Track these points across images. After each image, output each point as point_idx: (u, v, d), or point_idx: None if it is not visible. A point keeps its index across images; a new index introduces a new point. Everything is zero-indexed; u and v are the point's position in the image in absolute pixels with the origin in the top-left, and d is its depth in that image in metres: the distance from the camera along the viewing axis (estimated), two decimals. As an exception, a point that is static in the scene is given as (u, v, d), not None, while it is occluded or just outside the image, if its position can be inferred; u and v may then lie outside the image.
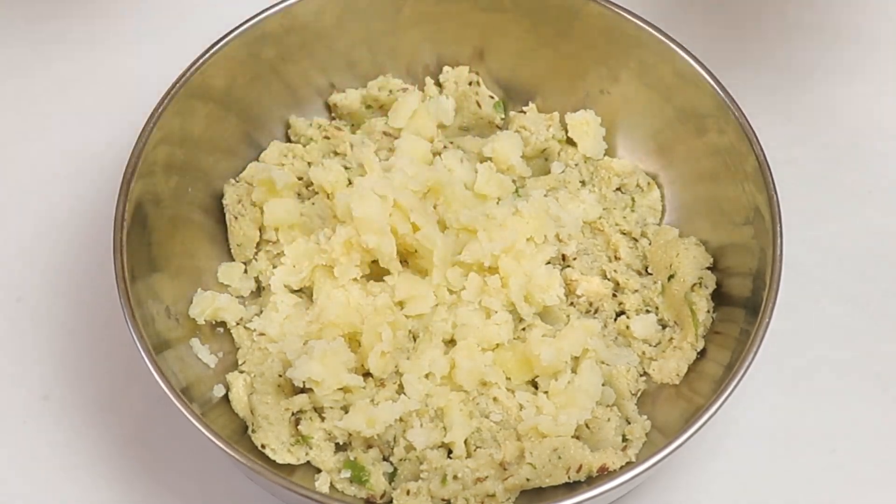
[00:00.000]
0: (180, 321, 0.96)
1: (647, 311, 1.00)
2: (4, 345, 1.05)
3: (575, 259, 1.02)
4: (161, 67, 1.05)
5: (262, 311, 0.99)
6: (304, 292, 1.01)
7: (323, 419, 0.93)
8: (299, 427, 0.91)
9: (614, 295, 1.01)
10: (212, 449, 0.85)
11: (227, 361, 0.97)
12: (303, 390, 0.91)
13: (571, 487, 0.88)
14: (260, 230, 1.02)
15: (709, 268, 1.00)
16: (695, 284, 0.98)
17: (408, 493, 0.89)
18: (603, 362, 0.97)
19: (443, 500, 0.89)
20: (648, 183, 1.07)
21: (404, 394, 0.94)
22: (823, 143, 1.16)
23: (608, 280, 1.02)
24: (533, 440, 0.91)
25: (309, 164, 1.06)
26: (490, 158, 1.05)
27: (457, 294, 0.98)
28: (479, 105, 1.08)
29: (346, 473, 0.90)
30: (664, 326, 1.00)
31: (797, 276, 1.03)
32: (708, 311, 0.97)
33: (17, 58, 1.22)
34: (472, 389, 0.95)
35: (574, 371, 0.95)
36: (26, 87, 1.20)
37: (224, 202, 1.03)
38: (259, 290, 1.02)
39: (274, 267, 1.01)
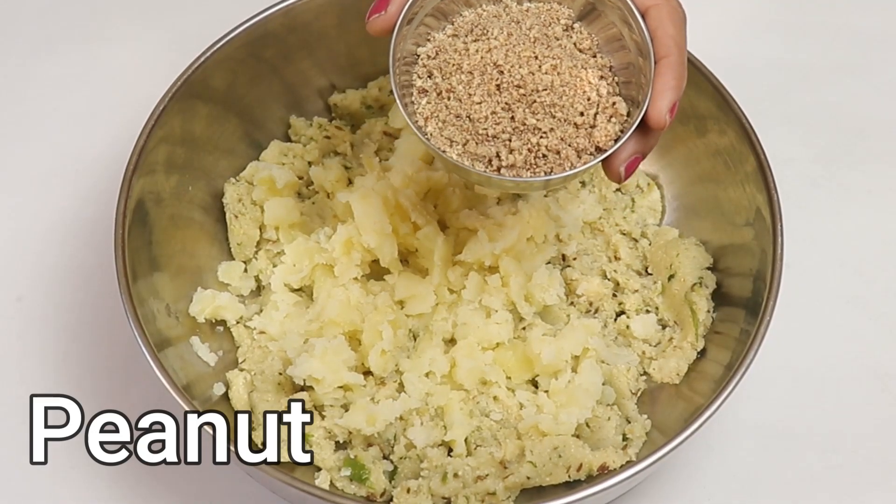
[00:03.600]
0: (180, 319, 0.96)
1: (647, 311, 1.00)
2: (5, 344, 1.05)
3: (575, 259, 1.02)
4: (161, 67, 1.05)
5: (262, 310, 1.00)
6: (304, 291, 1.01)
7: (323, 417, 0.93)
8: (299, 425, 0.91)
9: (614, 295, 1.01)
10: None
11: (228, 360, 0.97)
12: (303, 388, 0.92)
13: (571, 486, 0.88)
14: (260, 229, 1.02)
15: (709, 268, 1.00)
16: (695, 284, 0.98)
17: (408, 491, 0.89)
18: (603, 362, 0.97)
19: (443, 498, 0.89)
20: (648, 183, 1.07)
21: (404, 392, 0.94)
22: (823, 143, 1.16)
23: (608, 280, 1.02)
24: (533, 439, 0.91)
25: (309, 163, 1.06)
26: (490, 159, 1.05)
27: (457, 293, 0.98)
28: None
29: (347, 472, 0.90)
30: (664, 326, 1.00)
31: (797, 276, 1.03)
32: (708, 311, 0.97)
33: (17, 57, 1.22)
34: (473, 388, 0.95)
35: (574, 370, 0.95)
36: (26, 86, 1.20)
37: (224, 201, 1.03)
38: (259, 289, 1.02)
39: (274, 266, 1.01)
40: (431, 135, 0.79)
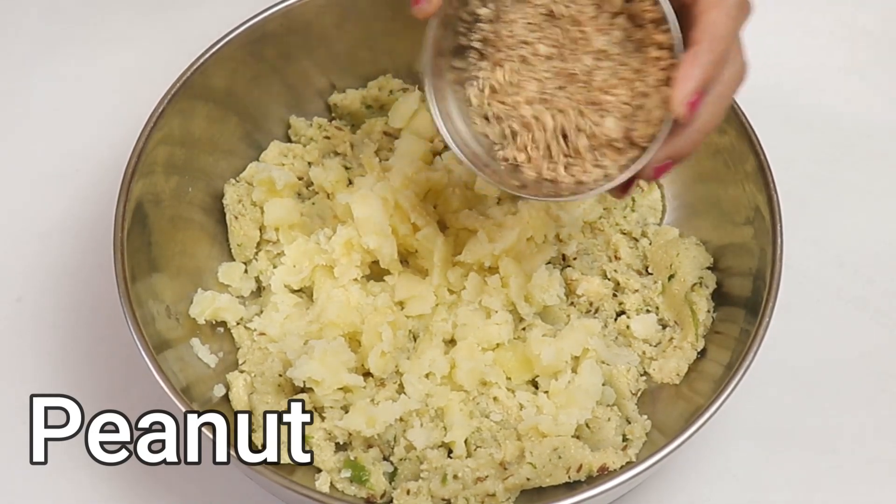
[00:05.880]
0: (180, 321, 0.96)
1: (648, 311, 1.00)
2: (4, 344, 1.05)
3: (575, 259, 1.02)
4: (161, 67, 1.04)
5: (262, 311, 1.00)
6: (305, 292, 1.01)
7: (323, 419, 0.93)
8: (299, 426, 0.91)
9: (614, 295, 1.01)
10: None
11: (228, 361, 0.97)
12: (303, 390, 0.92)
13: (571, 487, 0.88)
14: (260, 230, 1.02)
15: (709, 268, 1.00)
16: (695, 284, 0.98)
17: (408, 492, 0.89)
18: (603, 362, 0.97)
19: (443, 499, 0.89)
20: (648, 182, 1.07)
21: (404, 393, 0.94)
22: (823, 144, 1.16)
23: (608, 280, 1.02)
24: (533, 440, 0.91)
25: (309, 164, 1.06)
26: (490, 158, 1.05)
27: (457, 294, 0.98)
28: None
29: (347, 473, 0.90)
30: (664, 326, 1.00)
31: (797, 276, 1.03)
32: (708, 311, 0.97)
33: (17, 57, 1.22)
34: (473, 389, 0.95)
35: (574, 371, 0.95)
36: (27, 86, 1.20)
37: (224, 202, 1.03)
38: (259, 290, 1.02)
39: (274, 267, 1.01)
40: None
